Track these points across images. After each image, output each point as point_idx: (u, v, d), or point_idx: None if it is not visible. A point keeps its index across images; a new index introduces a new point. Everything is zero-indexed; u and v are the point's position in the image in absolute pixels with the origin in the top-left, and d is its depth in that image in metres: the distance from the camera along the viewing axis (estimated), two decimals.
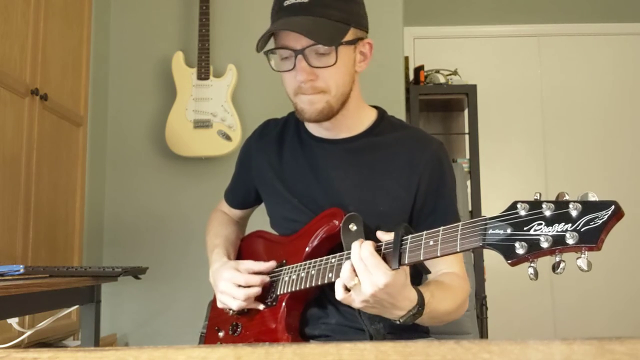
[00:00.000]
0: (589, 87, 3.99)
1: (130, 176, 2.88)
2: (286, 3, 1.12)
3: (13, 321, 1.80)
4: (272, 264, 1.19)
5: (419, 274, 1.20)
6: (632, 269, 3.81)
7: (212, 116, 2.73)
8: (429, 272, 1.17)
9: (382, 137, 1.23)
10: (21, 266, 1.37)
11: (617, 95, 3.98)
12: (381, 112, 1.28)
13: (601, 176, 3.90)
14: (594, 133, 3.96)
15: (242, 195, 1.43)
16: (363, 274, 0.94)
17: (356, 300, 0.97)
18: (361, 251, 0.95)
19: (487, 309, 3.08)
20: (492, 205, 3.49)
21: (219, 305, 1.23)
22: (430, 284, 1.10)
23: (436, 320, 1.11)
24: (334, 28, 1.12)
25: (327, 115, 1.17)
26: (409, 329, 1.20)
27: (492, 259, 2.94)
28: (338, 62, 1.13)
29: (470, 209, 3.06)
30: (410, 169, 1.18)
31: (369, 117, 1.26)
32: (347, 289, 0.97)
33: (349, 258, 0.98)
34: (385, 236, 0.99)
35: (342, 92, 1.17)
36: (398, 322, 1.01)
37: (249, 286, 1.17)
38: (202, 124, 2.71)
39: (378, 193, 1.18)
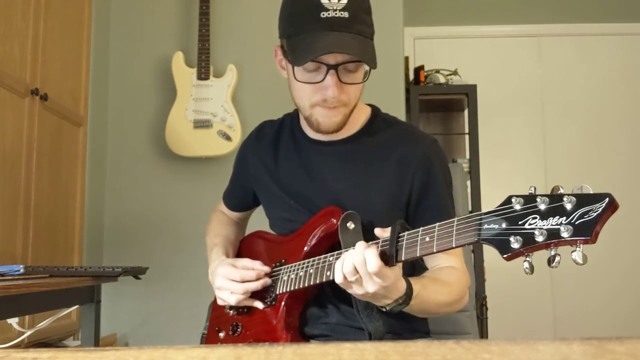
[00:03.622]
0: (589, 87, 3.99)
1: (130, 176, 2.88)
2: (324, 15, 1.06)
3: (13, 321, 1.80)
4: (267, 268, 1.19)
5: (414, 265, 1.21)
6: (634, 271, 3.81)
7: (212, 116, 2.73)
8: (426, 268, 1.17)
9: (376, 136, 1.23)
10: (21, 266, 1.37)
11: (618, 96, 3.98)
12: (375, 110, 1.29)
13: (602, 176, 3.90)
14: (594, 133, 3.95)
15: (240, 197, 1.44)
16: (365, 275, 0.94)
17: (353, 290, 0.98)
18: (367, 257, 0.94)
19: (487, 309, 3.08)
20: (492, 205, 3.49)
21: (219, 302, 1.23)
22: (424, 277, 1.11)
23: (430, 312, 1.12)
24: (371, 47, 1.12)
25: (343, 125, 1.17)
26: (409, 330, 1.20)
27: (492, 259, 2.93)
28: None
29: (470, 209, 3.06)
30: (403, 166, 1.19)
31: (363, 115, 1.26)
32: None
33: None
34: (383, 233, 0.99)
35: (356, 102, 1.18)
36: (384, 310, 1.01)
37: (245, 281, 1.17)
38: (202, 124, 2.71)
39: (373, 192, 1.18)
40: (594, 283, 3.71)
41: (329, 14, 1.07)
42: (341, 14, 1.07)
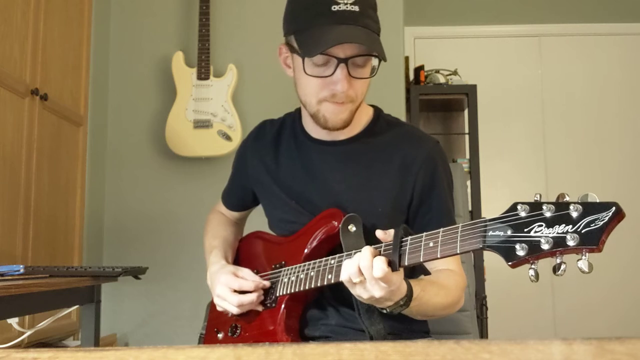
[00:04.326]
0: (589, 87, 3.99)
1: (130, 176, 2.88)
2: (335, 8, 1.07)
3: (13, 321, 1.80)
4: (267, 283, 1.19)
5: (414, 266, 1.20)
6: (633, 270, 3.81)
7: (212, 116, 2.73)
8: (428, 273, 1.17)
9: (379, 137, 1.23)
10: (21, 266, 1.37)
11: (618, 96, 3.98)
12: (377, 111, 1.28)
13: (602, 176, 3.90)
14: (595, 133, 3.95)
15: (239, 197, 1.43)
16: (371, 280, 0.94)
17: (357, 293, 0.97)
18: (375, 263, 0.93)
19: (487, 309, 3.08)
20: (492, 205, 3.50)
21: (218, 308, 1.23)
22: (423, 280, 1.11)
23: (428, 314, 1.11)
24: (379, 42, 1.12)
25: (349, 122, 1.17)
26: (409, 330, 1.20)
27: (492, 259, 2.92)
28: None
29: (470, 209, 3.06)
30: (406, 168, 1.18)
31: (365, 116, 1.26)
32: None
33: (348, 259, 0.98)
34: (385, 235, 0.99)
35: (362, 100, 1.18)
36: (385, 312, 1.01)
37: (244, 291, 1.17)
38: (202, 124, 2.71)
39: (376, 194, 1.18)
40: (594, 283, 3.71)
41: (339, 7, 1.08)
42: (352, 7, 1.08)
